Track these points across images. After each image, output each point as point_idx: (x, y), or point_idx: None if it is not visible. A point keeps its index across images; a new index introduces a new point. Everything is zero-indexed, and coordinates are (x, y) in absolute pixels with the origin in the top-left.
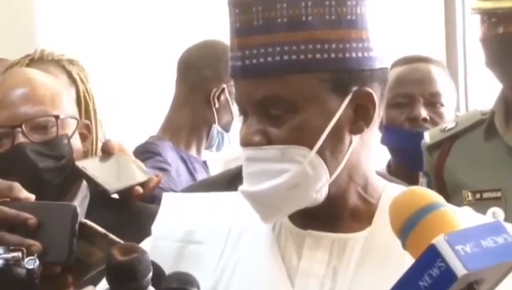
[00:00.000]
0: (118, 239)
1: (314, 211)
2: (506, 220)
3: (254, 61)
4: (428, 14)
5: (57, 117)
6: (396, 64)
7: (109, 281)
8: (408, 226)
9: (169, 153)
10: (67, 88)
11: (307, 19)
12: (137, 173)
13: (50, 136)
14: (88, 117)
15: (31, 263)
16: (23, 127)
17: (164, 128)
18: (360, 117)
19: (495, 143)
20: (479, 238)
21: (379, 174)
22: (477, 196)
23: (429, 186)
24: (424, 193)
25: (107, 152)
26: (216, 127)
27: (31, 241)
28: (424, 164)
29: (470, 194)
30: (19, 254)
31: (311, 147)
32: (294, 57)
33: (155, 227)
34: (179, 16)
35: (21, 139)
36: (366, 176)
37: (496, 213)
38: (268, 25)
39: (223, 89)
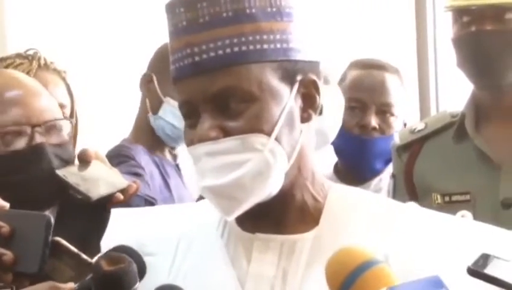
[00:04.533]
0: (90, 260)
1: (263, 209)
2: None
3: (204, 56)
4: (399, 16)
5: (71, 121)
6: (353, 66)
7: None
8: (346, 286)
9: (142, 157)
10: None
11: (251, 11)
12: (116, 180)
13: (63, 139)
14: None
15: None
16: (42, 127)
17: (135, 131)
18: (308, 105)
19: (465, 146)
20: None
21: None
22: (447, 198)
23: (395, 188)
24: (360, 251)
25: (84, 161)
26: None
27: (2, 250)
28: (393, 165)
29: (439, 196)
30: None
31: (269, 135)
32: (244, 48)
33: (104, 243)
34: (152, 17)
35: (40, 139)
36: (313, 171)
37: (465, 216)
38: (214, 20)
39: None
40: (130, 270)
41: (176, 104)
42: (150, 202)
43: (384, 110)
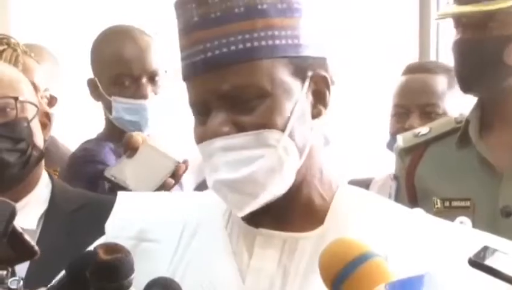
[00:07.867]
0: (32, 243)
1: (267, 205)
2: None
3: (217, 52)
4: (402, 21)
5: (16, 99)
6: (402, 73)
7: (91, 279)
8: (341, 278)
9: (111, 157)
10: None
11: (262, 6)
12: (165, 163)
13: (9, 118)
14: None
15: (15, 283)
16: None
17: (105, 130)
18: (318, 101)
19: (467, 152)
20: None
21: None
22: (446, 203)
23: (398, 191)
24: (356, 243)
25: (132, 148)
26: None
27: None
28: (395, 167)
29: (439, 201)
30: (3, 273)
31: (282, 130)
32: (256, 43)
33: (108, 225)
34: (150, 7)
35: None
36: (321, 169)
37: (464, 222)
38: (226, 15)
39: None
40: (127, 260)
41: (122, 99)
42: None
43: (428, 111)
